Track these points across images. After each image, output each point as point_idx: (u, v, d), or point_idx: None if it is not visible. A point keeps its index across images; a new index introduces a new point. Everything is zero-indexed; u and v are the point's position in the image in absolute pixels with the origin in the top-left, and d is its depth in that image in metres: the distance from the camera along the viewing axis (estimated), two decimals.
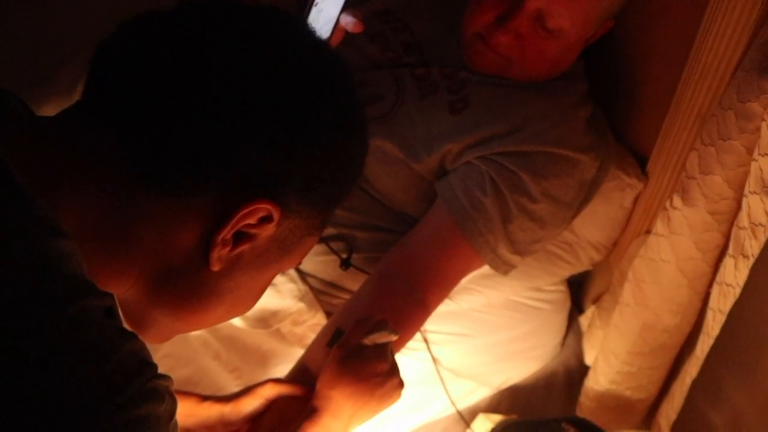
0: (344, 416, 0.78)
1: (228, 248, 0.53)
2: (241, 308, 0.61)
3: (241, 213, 0.51)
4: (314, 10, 0.76)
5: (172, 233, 0.52)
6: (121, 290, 0.54)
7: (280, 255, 0.57)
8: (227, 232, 0.52)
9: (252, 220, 0.52)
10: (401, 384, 0.81)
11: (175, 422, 0.46)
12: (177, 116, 0.50)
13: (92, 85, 0.53)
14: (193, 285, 0.55)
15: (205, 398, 0.81)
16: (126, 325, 0.49)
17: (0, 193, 0.43)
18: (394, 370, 0.80)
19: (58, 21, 1.21)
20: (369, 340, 0.78)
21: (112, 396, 0.41)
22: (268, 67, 0.52)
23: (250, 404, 0.81)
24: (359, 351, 0.78)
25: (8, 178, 0.44)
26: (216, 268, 0.54)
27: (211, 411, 0.81)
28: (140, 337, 0.58)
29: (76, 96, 1.14)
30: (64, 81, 1.09)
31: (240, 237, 0.53)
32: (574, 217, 1.04)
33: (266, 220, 0.53)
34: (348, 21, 0.82)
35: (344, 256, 1.01)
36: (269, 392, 0.82)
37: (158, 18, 0.53)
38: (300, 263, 0.62)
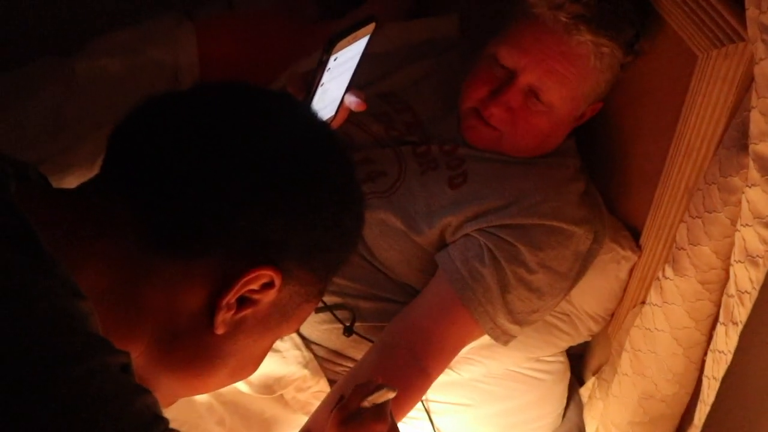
0: None
1: (232, 312, 0.56)
2: (243, 373, 0.63)
3: (245, 279, 0.54)
4: (320, 90, 0.81)
5: (180, 296, 0.55)
6: (133, 353, 0.57)
7: (279, 320, 0.60)
8: (231, 297, 0.55)
9: (255, 286, 0.55)
10: None
11: None
12: (188, 187, 0.54)
13: (110, 160, 0.57)
14: (199, 348, 0.58)
15: None
16: None
17: (26, 255, 0.47)
18: (393, 431, 0.82)
19: (82, 97, 1.29)
20: (368, 402, 0.81)
21: None
22: (272, 144, 0.56)
23: None
24: (358, 413, 0.80)
25: (34, 241, 0.48)
26: (220, 331, 0.57)
27: None
28: None
29: (97, 165, 1.20)
30: (87, 151, 1.15)
31: (243, 302, 0.56)
32: (570, 287, 1.07)
33: (268, 285, 0.56)
34: (352, 101, 0.88)
35: (348, 324, 1.04)
36: None
37: (173, 98, 0.59)
38: (298, 330, 0.65)
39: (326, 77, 0.80)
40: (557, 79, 1.00)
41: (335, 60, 0.79)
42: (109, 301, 0.52)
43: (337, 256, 0.61)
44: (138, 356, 0.57)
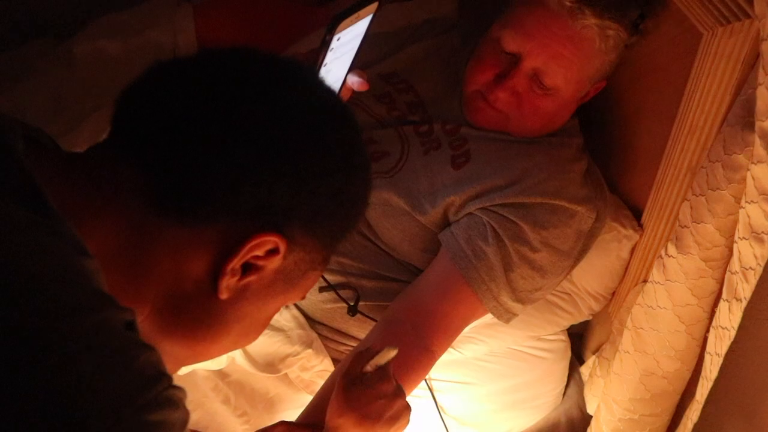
0: None
1: (236, 278, 0.56)
2: (247, 339, 0.63)
3: (250, 244, 0.54)
4: (323, 70, 0.81)
5: (185, 261, 0.55)
6: (138, 317, 0.56)
7: (284, 287, 0.60)
8: (236, 262, 0.55)
9: (260, 252, 0.55)
10: (408, 407, 0.83)
11: None
12: (193, 152, 0.54)
13: (117, 124, 0.57)
14: (203, 313, 0.58)
15: None
16: None
17: (33, 212, 0.46)
18: (399, 392, 0.82)
19: (80, 80, 1.28)
20: (371, 366, 0.81)
21: (130, 400, 0.43)
22: (279, 108, 0.56)
23: None
24: (362, 377, 0.81)
25: (41, 199, 0.47)
26: (224, 296, 0.56)
27: None
28: None
29: None
30: (86, 133, 1.15)
31: (248, 268, 0.56)
32: (573, 266, 1.07)
33: (273, 252, 0.56)
34: (354, 81, 0.88)
35: (351, 303, 1.04)
36: None
37: (180, 64, 0.58)
38: (303, 298, 0.64)
39: (329, 57, 0.79)
40: (562, 62, 1.00)
41: (338, 40, 0.78)
42: (115, 262, 0.52)
43: (343, 224, 0.61)
44: (143, 320, 0.57)
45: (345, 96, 0.91)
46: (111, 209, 0.52)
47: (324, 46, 0.77)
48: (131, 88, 0.57)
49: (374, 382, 0.81)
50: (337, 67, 0.84)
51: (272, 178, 0.54)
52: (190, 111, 0.55)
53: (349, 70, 0.87)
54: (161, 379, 0.46)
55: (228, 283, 0.56)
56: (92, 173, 0.54)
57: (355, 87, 0.89)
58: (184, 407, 0.47)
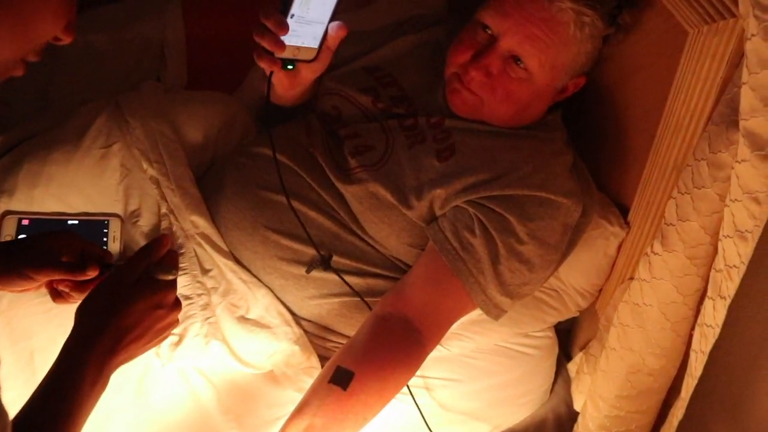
0: None
1: None
2: None
3: None
4: (292, 22, 0.83)
5: None
6: None
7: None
8: None
9: None
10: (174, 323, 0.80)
11: None
12: None
13: None
14: None
15: None
16: None
17: None
18: (178, 306, 0.79)
19: (69, 73, 1.27)
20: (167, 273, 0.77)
21: None
22: None
23: None
24: (148, 278, 0.76)
25: None
26: None
27: None
28: None
29: (84, 140, 1.18)
30: (73, 126, 1.14)
31: None
32: (560, 261, 1.08)
33: None
34: (333, 26, 0.89)
35: (322, 264, 1.04)
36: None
37: None
38: (68, 24, 0.47)
39: (296, 6, 0.81)
40: (537, 45, 1.01)
41: None
42: None
43: None
44: None
45: (332, 44, 0.93)
46: None
47: None
48: None
49: (163, 287, 0.73)
50: (317, 14, 0.85)
51: None
52: None
53: (331, 20, 0.88)
54: None
55: None
56: None
57: (333, 33, 0.90)
58: None
